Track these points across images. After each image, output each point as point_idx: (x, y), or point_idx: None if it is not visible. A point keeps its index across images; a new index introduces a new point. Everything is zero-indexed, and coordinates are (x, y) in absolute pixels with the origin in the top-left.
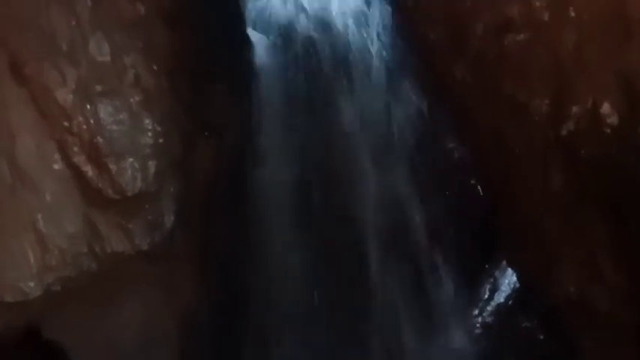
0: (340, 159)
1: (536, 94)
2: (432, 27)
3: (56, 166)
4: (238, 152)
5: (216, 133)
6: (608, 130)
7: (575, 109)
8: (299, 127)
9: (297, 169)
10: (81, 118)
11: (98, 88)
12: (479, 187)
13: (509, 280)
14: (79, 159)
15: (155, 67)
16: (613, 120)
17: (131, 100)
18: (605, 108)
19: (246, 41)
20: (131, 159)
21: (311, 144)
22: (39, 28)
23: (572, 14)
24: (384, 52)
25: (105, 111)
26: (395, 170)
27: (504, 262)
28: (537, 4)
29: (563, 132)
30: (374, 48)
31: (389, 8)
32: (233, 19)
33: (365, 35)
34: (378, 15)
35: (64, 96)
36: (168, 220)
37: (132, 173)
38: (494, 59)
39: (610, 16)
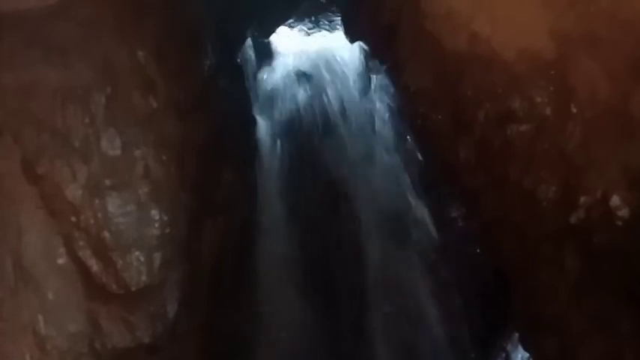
0: (344, 232)
1: (542, 182)
2: (434, 110)
3: (60, 261)
4: (243, 229)
5: (221, 213)
6: (620, 223)
7: (584, 198)
8: (303, 203)
9: (302, 244)
10: (89, 213)
11: (108, 182)
12: (485, 258)
13: (522, 355)
14: (85, 253)
15: (164, 158)
16: (624, 213)
17: (139, 191)
18: (615, 200)
19: (252, 121)
20: (137, 252)
21: (315, 220)
22: (54, 127)
23: (574, 110)
24: (386, 129)
25: (113, 204)
26: (398, 241)
27: (517, 335)
28: (539, 99)
29: (573, 220)
30: (376, 125)
31: (391, 88)
32: (240, 102)
33: (367, 114)
34: (380, 95)
35: (74, 192)
36: (172, 309)
37: (137, 267)
38: (498, 145)
39: (612, 115)
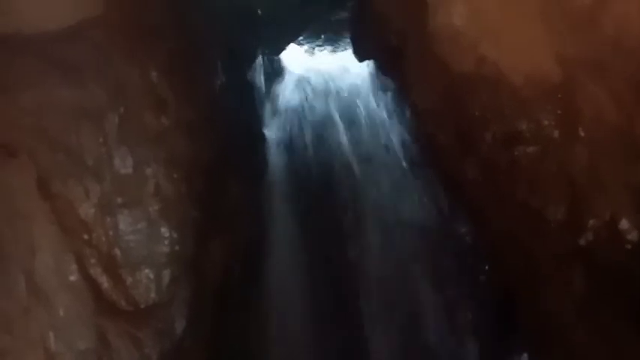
0: (351, 246)
1: (550, 203)
2: (442, 129)
3: (72, 278)
4: (250, 246)
5: (228, 229)
6: (629, 246)
7: (592, 221)
8: (311, 220)
9: (310, 261)
10: (101, 231)
11: (119, 200)
12: (494, 274)
13: None
14: (96, 271)
15: (175, 175)
16: (633, 236)
17: (150, 209)
18: (624, 224)
19: (261, 138)
20: (147, 270)
21: (322, 235)
22: (68, 146)
23: (582, 134)
24: (395, 143)
25: (124, 222)
26: (406, 256)
27: (525, 355)
28: (546, 122)
29: (582, 242)
30: (385, 141)
31: (401, 107)
32: (249, 119)
33: (377, 132)
34: (389, 112)
35: (86, 210)
36: (180, 325)
37: (146, 284)
38: (505, 165)
39: (619, 138)
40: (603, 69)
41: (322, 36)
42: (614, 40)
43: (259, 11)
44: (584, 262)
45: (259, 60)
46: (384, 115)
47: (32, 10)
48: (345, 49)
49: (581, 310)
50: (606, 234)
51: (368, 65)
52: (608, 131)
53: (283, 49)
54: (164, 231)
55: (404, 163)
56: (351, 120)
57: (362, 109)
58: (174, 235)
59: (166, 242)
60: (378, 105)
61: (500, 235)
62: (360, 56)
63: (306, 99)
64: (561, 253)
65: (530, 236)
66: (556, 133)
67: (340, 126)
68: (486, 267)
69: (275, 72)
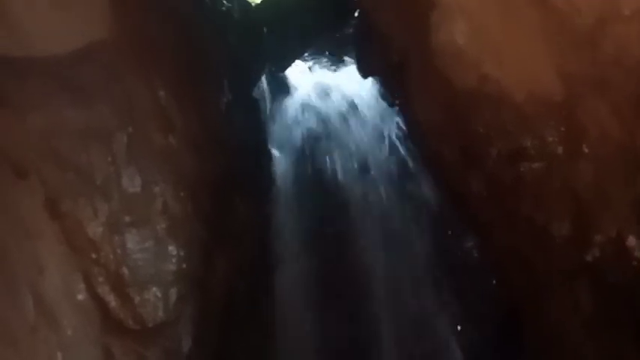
0: (358, 261)
1: (555, 219)
2: (446, 144)
3: (80, 297)
4: (256, 261)
5: (235, 247)
6: (636, 263)
7: (598, 237)
8: (316, 235)
9: (316, 277)
10: (109, 249)
11: (127, 219)
12: (500, 289)
13: None
14: (103, 289)
15: (182, 194)
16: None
17: (157, 227)
18: (631, 241)
19: (268, 154)
20: (154, 288)
21: (328, 250)
22: (78, 166)
23: (586, 150)
24: (399, 160)
25: (132, 241)
26: (413, 271)
27: None
28: (550, 138)
29: (588, 258)
30: (389, 157)
31: (403, 122)
32: (256, 135)
33: (380, 145)
34: (392, 127)
35: (95, 229)
36: (186, 343)
37: (154, 303)
38: (509, 181)
39: (622, 154)
40: (604, 86)
41: (327, 52)
42: (615, 58)
43: (264, 29)
44: (591, 278)
45: (265, 77)
46: (389, 129)
47: (42, 33)
48: (350, 65)
49: (587, 326)
50: (612, 250)
51: (372, 81)
52: (611, 147)
53: (288, 65)
54: (171, 249)
55: (409, 177)
56: (356, 135)
57: (367, 124)
58: (182, 253)
59: (173, 260)
60: (382, 120)
61: (504, 249)
62: (364, 72)
63: (312, 115)
64: (566, 269)
65: (535, 251)
66: (560, 150)
67: (346, 141)
68: (493, 281)
69: (280, 89)
